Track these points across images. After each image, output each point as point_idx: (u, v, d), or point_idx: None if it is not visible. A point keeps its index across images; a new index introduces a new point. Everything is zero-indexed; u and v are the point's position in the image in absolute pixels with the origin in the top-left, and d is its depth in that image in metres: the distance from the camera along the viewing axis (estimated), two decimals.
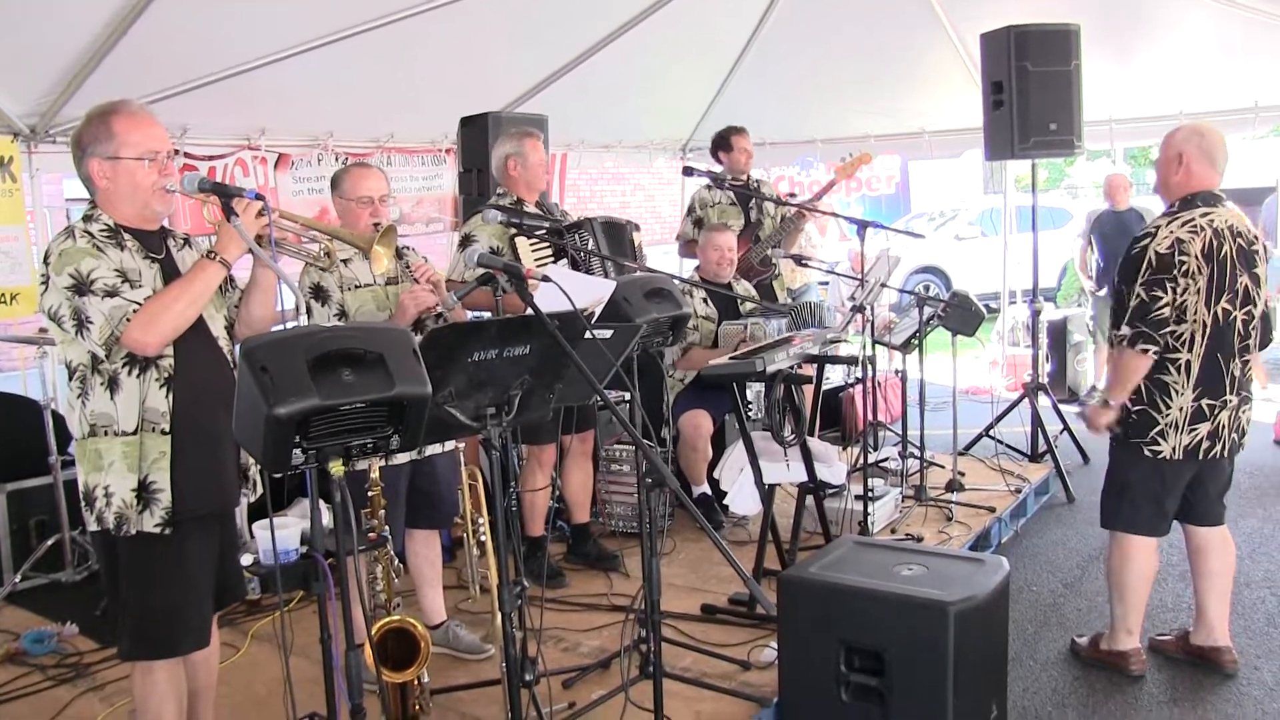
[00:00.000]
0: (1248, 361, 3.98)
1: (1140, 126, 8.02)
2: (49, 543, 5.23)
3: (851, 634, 3.41)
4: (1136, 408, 3.98)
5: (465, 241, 4.68)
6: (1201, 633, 4.19)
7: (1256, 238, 3.93)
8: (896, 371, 7.10)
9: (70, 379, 2.97)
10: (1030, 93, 6.31)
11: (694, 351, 5.51)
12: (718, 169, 6.73)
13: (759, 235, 6.53)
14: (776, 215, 6.57)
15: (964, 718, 3.29)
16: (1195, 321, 3.83)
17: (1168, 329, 3.82)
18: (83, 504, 2.98)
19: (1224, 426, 3.93)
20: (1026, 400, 6.89)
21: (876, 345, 5.42)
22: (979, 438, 6.94)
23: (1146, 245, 3.85)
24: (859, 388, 7.27)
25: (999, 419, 6.91)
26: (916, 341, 5.99)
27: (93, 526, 2.97)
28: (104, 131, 2.94)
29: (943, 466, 6.28)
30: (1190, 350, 3.86)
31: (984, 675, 3.43)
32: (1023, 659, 4.26)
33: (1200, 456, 3.94)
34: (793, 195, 7.00)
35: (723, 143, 6.65)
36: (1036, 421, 6.76)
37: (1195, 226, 3.83)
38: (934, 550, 4.13)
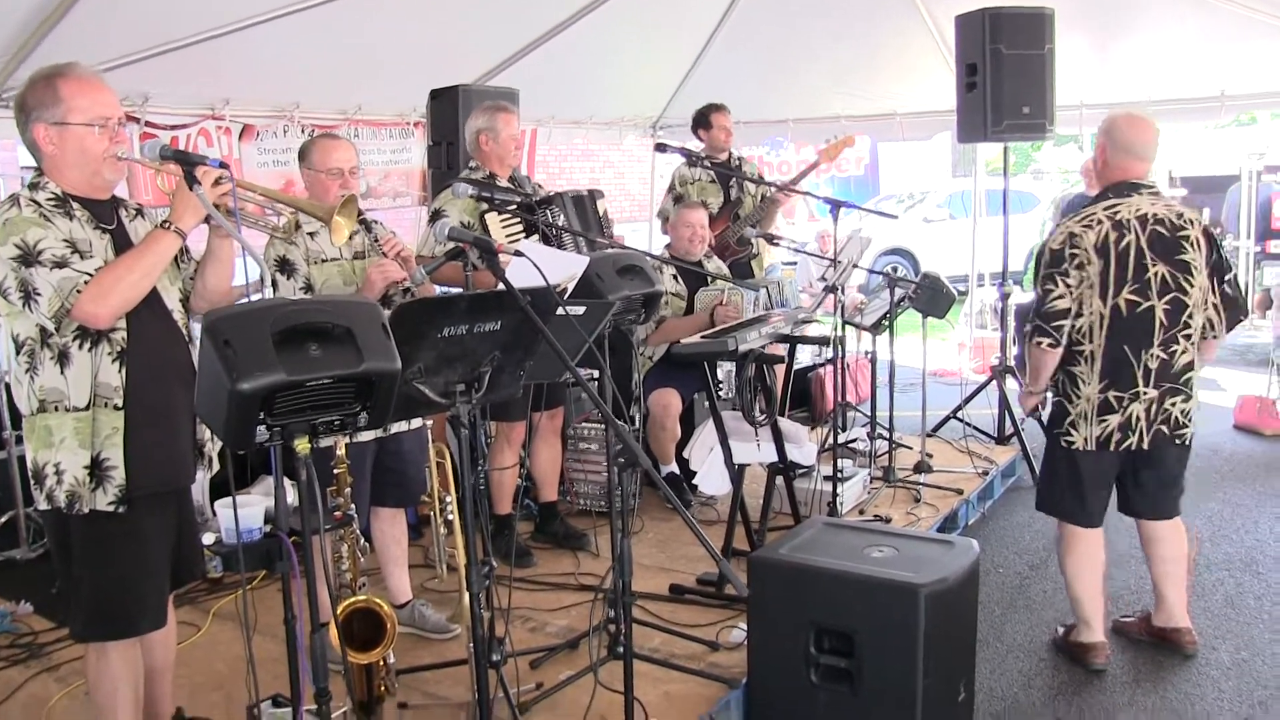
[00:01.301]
0: (1176, 351, 3.86)
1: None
2: (2, 520, 5.12)
3: (822, 615, 3.41)
4: (1055, 398, 4.06)
5: (435, 216, 4.61)
6: (1162, 615, 4.22)
7: (1187, 224, 3.85)
8: (866, 353, 7.09)
9: (18, 353, 2.87)
10: (1004, 75, 6.29)
11: (668, 323, 5.46)
12: (694, 146, 6.68)
13: (738, 214, 6.49)
14: (757, 194, 6.53)
15: (933, 699, 3.29)
16: (1093, 313, 3.87)
17: (1062, 321, 3.89)
18: (32, 482, 2.89)
19: (1137, 419, 3.89)
20: (994, 383, 6.91)
21: (846, 326, 5.40)
22: (947, 419, 6.95)
23: (1046, 242, 3.97)
24: (828, 368, 7.28)
25: (967, 401, 6.92)
26: (887, 323, 5.98)
27: (43, 505, 2.89)
28: (50, 95, 2.83)
29: (910, 448, 6.28)
30: (1092, 342, 3.90)
31: (953, 657, 3.44)
32: (990, 641, 4.28)
33: (1111, 448, 3.93)
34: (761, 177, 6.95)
35: (702, 120, 6.61)
36: (1004, 404, 6.77)
37: (1092, 220, 3.89)
38: (904, 532, 4.13)
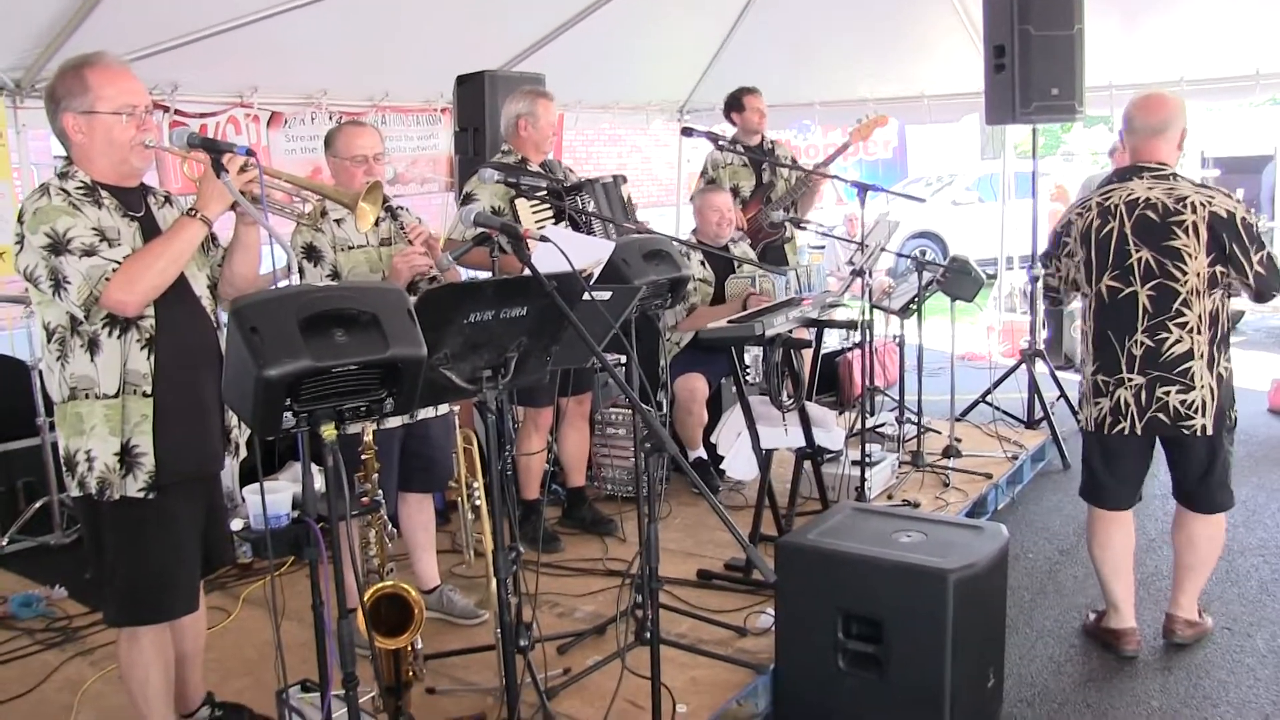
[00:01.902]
0: (1166, 339, 3.77)
1: (1140, 92, 7.88)
2: (36, 505, 5.18)
3: (850, 601, 3.40)
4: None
5: (466, 200, 4.62)
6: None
7: (1186, 208, 3.71)
8: (894, 337, 7.05)
9: (49, 341, 2.89)
10: (1032, 56, 6.22)
11: (699, 311, 5.45)
12: (727, 129, 6.65)
13: (770, 197, 6.46)
14: (790, 177, 6.49)
15: (962, 685, 3.28)
16: (1086, 296, 3.97)
17: (1056, 295, 4.20)
18: (64, 469, 2.92)
19: (1126, 404, 3.84)
20: (1023, 366, 6.86)
21: (874, 310, 5.37)
22: (975, 404, 6.90)
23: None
24: (855, 352, 7.25)
25: (996, 385, 6.87)
26: (915, 306, 5.94)
27: (75, 492, 2.92)
28: (78, 85, 2.84)
29: (939, 432, 6.25)
30: (1086, 324, 4.00)
31: (982, 643, 3.42)
32: (1019, 627, 4.25)
33: (1106, 431, 3.91)
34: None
35: (735, 103, 6.58)
36: (1033, 388, 6.73)
37: (1085, 208, 3.93)
38: (933, 517, 4.11)
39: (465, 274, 4.30)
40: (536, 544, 4.57)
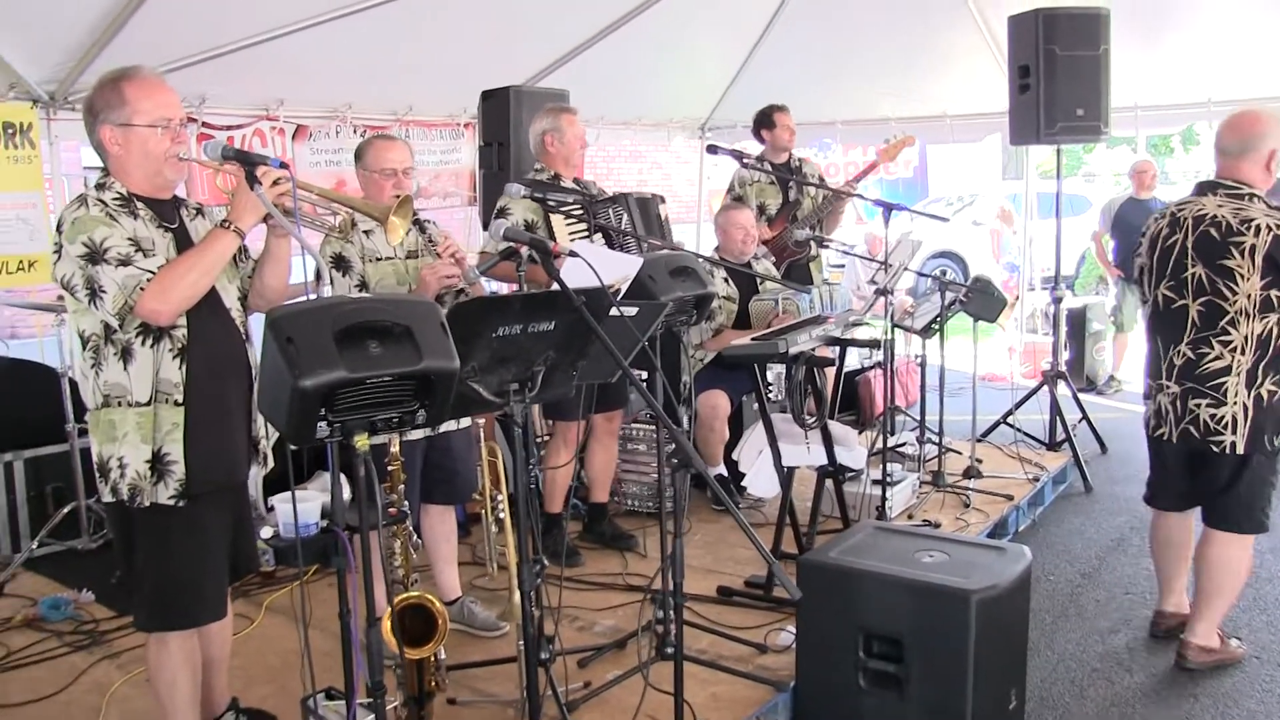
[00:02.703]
0: (1207, 354, 3.82)
1: (1166, 114, 7.93)
2: (65, 510, 5.23)
3: (871, 620, 3.40)
4: None
5: (499, 214, 4.65)
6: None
7: (1249, 231, 3.71)
8: (915, 356, 7.04)
9: (83, 349, 2.93)
10: (1057, 77, 6.23)
11: (725, 333, 5.47)
12: (755, 147, 6.67)
13: (796, 215, 6.47)
14: (817, 196, 6.50)
15: (983, 706, 3.27)
16: (1145, 301, 4.16)
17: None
18: (97, 475, 2.96)
19: (1165, 410, 3.99)
20: (1045, 388, 6.84)
21: (895, 329, 5.38)
22: (996, 425, 6.89)
23: None
24: (875, 372, 7.24)
25: (1017, 406, 6.85)
26: (937, 326, 5.94)
27: (107, 498, 2.95)
28: (116, 98, 2.89)
29: (960, 453, 6.24)
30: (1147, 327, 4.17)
31: (1004, 664, 3.41)
32: (1040, 649, 4.23)
33: (1151, 433, 4.10)
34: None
35: (766, 120, 6.59)
36: (1055, 409, 6.71)
37: (1161, 215, 4.07)
38: (955, 537, 4.10)
39: (489, 287, 4.33)
40: (558, 557, 4.58)
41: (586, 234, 4.68)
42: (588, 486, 5.23)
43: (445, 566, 4.22)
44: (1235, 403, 3.81)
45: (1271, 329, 3.78)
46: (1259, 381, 3.80)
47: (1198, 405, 3.87)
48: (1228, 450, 3.84)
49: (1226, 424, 3.83)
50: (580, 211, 4.68)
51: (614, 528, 5.17)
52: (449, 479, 4.04)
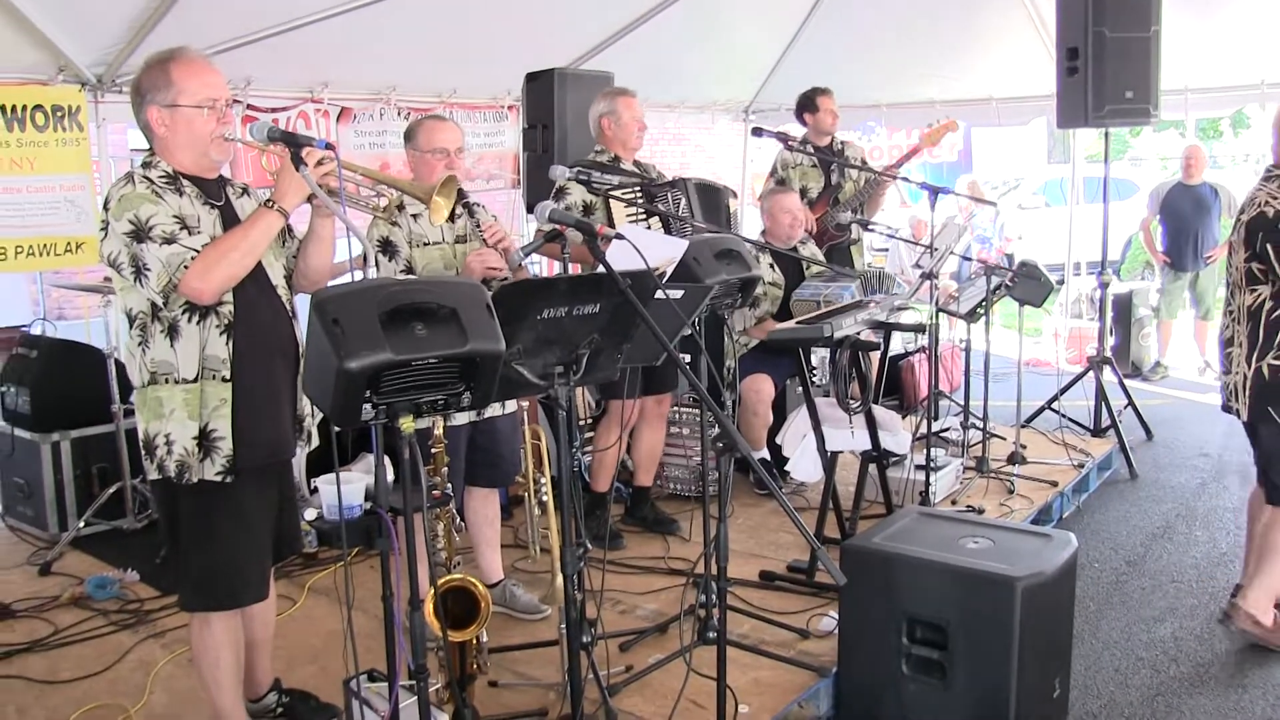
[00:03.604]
0: (1225, 325, 4.06)
1: (1217, 96, 7.78)
2: (110, 490, 5.29)
3: (915, 606, 3.37)
4: None
5: (558, 194, 4.64)
6: None
7: (1250, 206, 3.88)
8: (960, 341, 6.98)
9: (130, 327, 2.95)
10: (1106, 59, 6.11)
11: (767, 322, 5.44)
12: (798, 130, 6.63)
13: (837, 198, 6.42)
14: (860, 179, 6.45)
15: (1027, 694, 3.24)
16: None
17: None
18: (143, 452, 2.97)
19: None
20: (1091, 374, 6.76)
21: (940, 314, 5.32)
22: (1041, 410, 6.81)
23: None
24: (919, 356, 7.19)
25: (1063, 391, 6.77)
26: (982, 311, 5.87)
27: (153, 475, 2.97)
28: (162, 79, 2.91)
29: (1004, 438, 6.18)
30: None
31: (1048, 653, 3.38)
32: (1084, 637, 4.19)
33: None
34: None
35: (808, 104, 6.53)
36: (1101, 395, 6.64)
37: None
38: (1000, 523, 4.06)
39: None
40: (602, 539, 4.59)
41: (644, 219, 4.65)
42: (632, 470, 5.22)
43: (487, 549, 4.23)
44: (1238, 372, 3.97)
45: (1263, 301, 3.87)
46: (1257, 355, 3.88)
47: (1225, 373, 4.07)
48: (1239, 416, 4.01)
49: (1234, 392, 4.00)
50: (638, 192, 4.65)
51: (656, 512, 5.16)
52: (494, 463, 4.05)
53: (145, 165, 2.96)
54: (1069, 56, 6.29)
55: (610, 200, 4.61)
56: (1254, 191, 3.91)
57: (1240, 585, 4.25)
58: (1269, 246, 3.78)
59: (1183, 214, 8.74)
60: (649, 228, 4.69)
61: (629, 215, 4.64)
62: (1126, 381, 7.14)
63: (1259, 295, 3.87)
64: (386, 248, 3.77)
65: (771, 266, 5.54)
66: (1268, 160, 4.06)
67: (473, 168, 7.63)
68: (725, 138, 10.16)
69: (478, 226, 3.89)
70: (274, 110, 6.45)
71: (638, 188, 4.74)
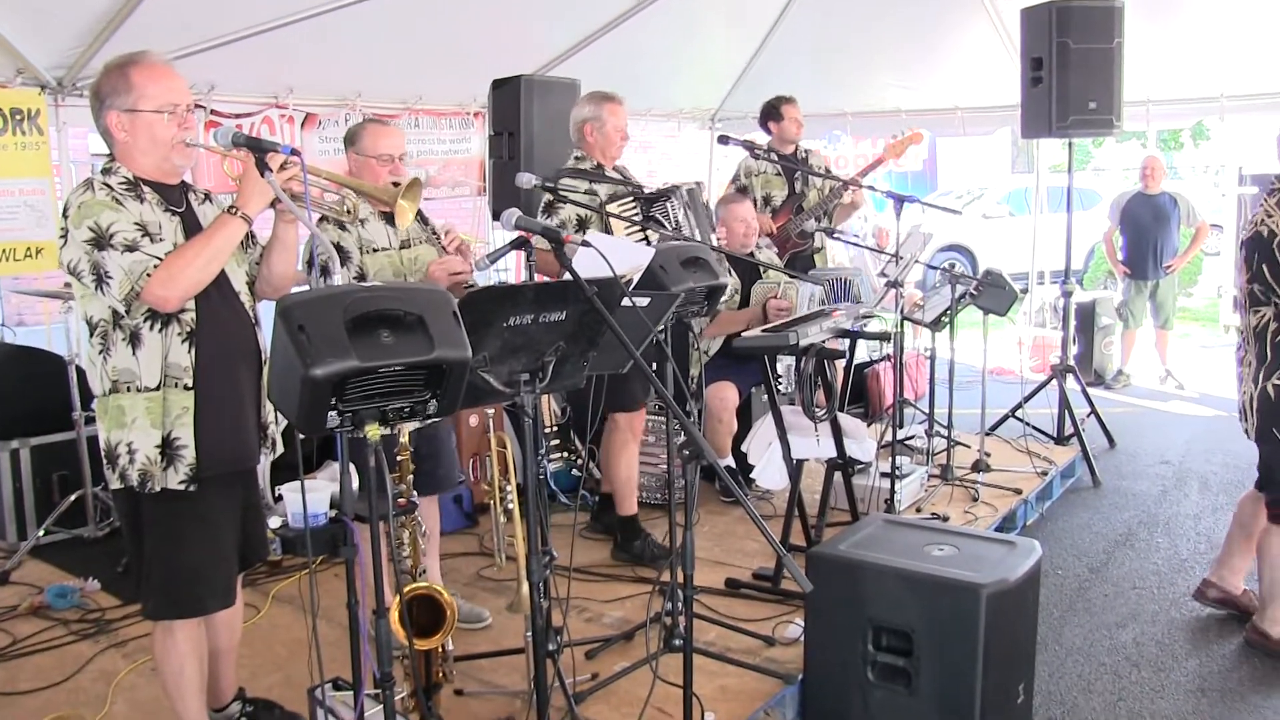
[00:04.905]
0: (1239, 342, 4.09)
1: (1178, 108, 7.89)
2: (71, 498, 5.22)
3: (880, 613, 3.39)
4: None
5: (549, 209, 4.56)
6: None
7: (1250, 225, 3.89)
8: (925, 350, 7.02)
9: (91, 335, 2.92)
10: (1070, 70, 6.17)
11: (722, 315, 5.40)
12: (761, 138, 6.65)
13: (801, 206, 6.45)
14: (823, 188, 6.48)
15: (992, 700, 3.26)
16: None
17: None
18: (105, 462, 2.94)
19: None
20: (1054, 382, 6.82)
21: (905, 322, 5.35)
22: (1005, 418, 6.87)
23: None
24: (884, 364, 7.23)
25: (1026, 399, 6.83)
26: (947, 319, 5.91)
27: (115, 484, 2.94)
28: (122, 83, 2.88)
29: (969, 446, 6.22)
30: None
31: (1013, 659, 3.40)
32: (1049, 644, 4.22)
33: None
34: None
35: (773, 112, 6.56)
36: (1064, 404, 6.70)
37: None
38: (964, 531, 4.08)
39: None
40: (654, 561, 4.61)
41: (640, 228, 4.53)
42: (603, 481, 5.14)
43: (429, 559, 4.18)
44: (1246, 392, 3.99)
45: (1267, 322, 3.88)
46: (1263, 375, 3.89)
47: (1240, 391, 4.09)
48: (1248, 434, 4.04)
49: (1243, 409, 4.03)
50: (633, 209, 4.57)
51: (649, 548, 4.80)
52: (433, 469, 3.98)
53: (105, 171, 2.93)
54: (1033, 67, 6.36)
55: (611, 219, 4.51)
56: (1255, 208, 3.94)
57: (1206, 579, 4.37)
58: (1264, 267, 3.79)
59: (1142, 223, 8.84)
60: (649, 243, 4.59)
61: (627, 232, 4.54)
62: (1089, 390, 7.22)
63: (1262, 316, 3.89)
64: (339, 253, 3.73)
65: (729, 272, 5.55)
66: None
67: (438, 175, 7.61)
68: (692, 145, 10.19)
69: (434, 233, 3.87)
70: (238, 116, 6.40)
71: (632, 198, 4.63)
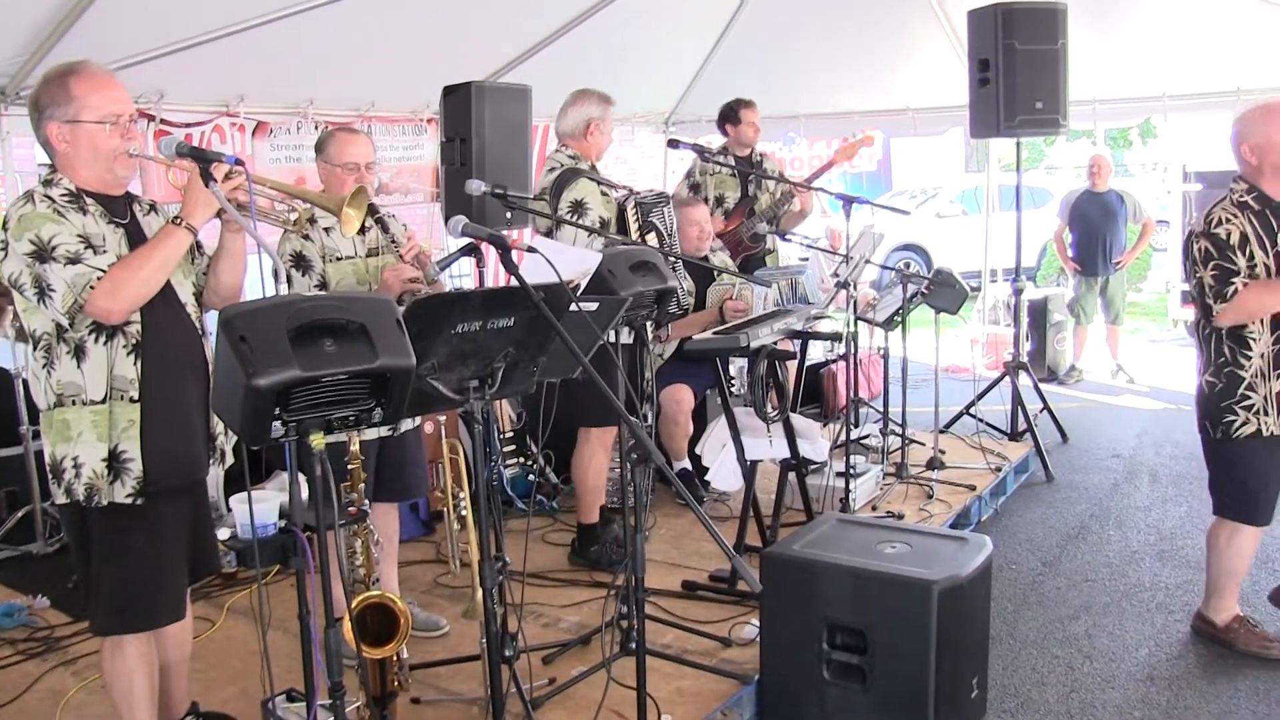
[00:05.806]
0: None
1: (1123, 107, 8.00)
2: (20, 514, 5.16)
3: (835, 612, 3.42)
4: None
5: (576, 208, 4.54)
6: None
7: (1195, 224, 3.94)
8: (879, 349, 7.08)
9: (34, 348, 2.89)
10: (1017, 71, 6.25)
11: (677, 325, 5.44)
12: (718, 141, 6.67)
13: (754, 209, 6.48)
14: (776, 191, 6.51)
15: (945, 695, 3.30)
16: None
17: None
18: (50, 477, 2.91)
19: None
20: (1007, 379, 6.89)
21: (858, 322, 5.39)
22: (959, 416, 6.93)
23: None
24: (839, 364, 7.27)
25: (980, 397, 6.89)
26: (899, 319, 5.97)
27: (61, 499, 2.91)
28: (62, 94, 2.84)
29: (923, 444, 6.27)
30: None
31: (966, 654, 3.44)
32: (1003, 638, 4.27)
33: None
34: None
35: (731, 115, 6.57)
36: (1017, 400, 6.76)
37: None
38: (917, 528, 4.12)
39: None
40: (602, 564, 4.60)
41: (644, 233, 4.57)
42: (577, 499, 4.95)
43: (386, 566, 4.17)
44: (1198, 385, 4.04)
45: (1199, 320, 4.00)
46: (1206, 368, 3.96)
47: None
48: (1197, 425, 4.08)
49: (1195, 400, 4.06)
50: (635, 211, 4.59)
51: (608, 552, 4.75)
52: (400, 476, 3.99)
53: (46, 183, 2.89)
54: (980, 68, 6.42)
55: (625, 212, 4.54)
56: (1201, 206, 4.01)
57: (1200, 612, 4.30)
58: (1187, 265, 3.89)
59: (1091, 221, 8.96)
60: (646, 243, 4.58)
61: (636, 234, 4.56)
62: (1042, 386, 7.29)
63: (1197, 314, 3.98)
64: (300, 262, 3.73)
65: (684, 275, 5.56)
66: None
67: (391, 181, 7.58)
68: (646, 149, 10.19)
69: (392, 241, 3.87)
70: (188, 125, 6.33)
71: (634, 201, 4.65)
